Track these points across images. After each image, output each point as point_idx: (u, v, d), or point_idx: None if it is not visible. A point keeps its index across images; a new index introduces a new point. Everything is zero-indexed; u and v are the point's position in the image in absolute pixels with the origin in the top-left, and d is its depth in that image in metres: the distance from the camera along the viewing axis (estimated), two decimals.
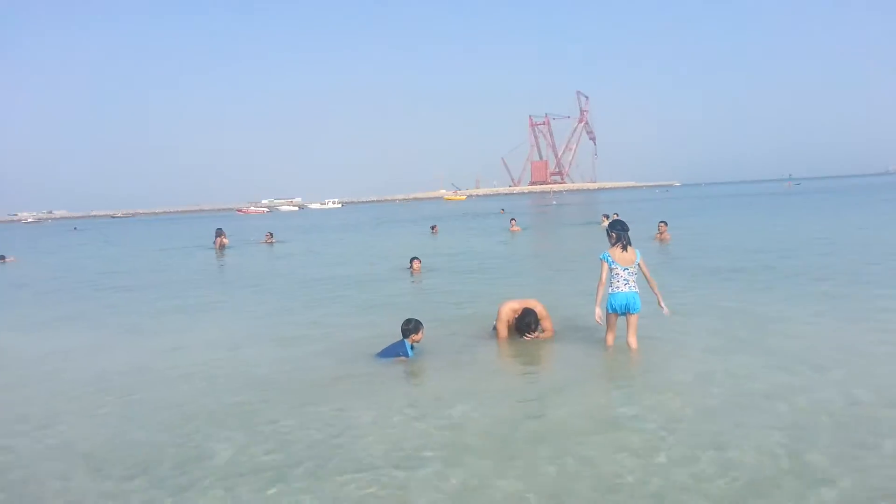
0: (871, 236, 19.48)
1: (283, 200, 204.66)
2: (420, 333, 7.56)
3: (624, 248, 7.25)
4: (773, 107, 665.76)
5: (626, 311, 7.21)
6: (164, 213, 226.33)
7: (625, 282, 7.18)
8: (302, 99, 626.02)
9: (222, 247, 26.90)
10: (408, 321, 7.59)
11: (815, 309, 9.00)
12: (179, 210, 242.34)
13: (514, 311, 8.18)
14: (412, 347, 7.54)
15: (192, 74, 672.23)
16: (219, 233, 27.52)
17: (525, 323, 7.97)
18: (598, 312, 7.26)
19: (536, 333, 8.00)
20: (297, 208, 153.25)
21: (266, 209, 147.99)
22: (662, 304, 7.36)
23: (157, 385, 7.04)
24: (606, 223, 28.60)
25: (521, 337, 8.03)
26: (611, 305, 7.24)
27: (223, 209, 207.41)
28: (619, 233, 7.31)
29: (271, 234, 30.51)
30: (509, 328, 8.24)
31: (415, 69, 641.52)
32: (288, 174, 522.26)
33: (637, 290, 7.24)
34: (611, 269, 7.21)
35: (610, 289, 7.22)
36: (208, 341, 9.12)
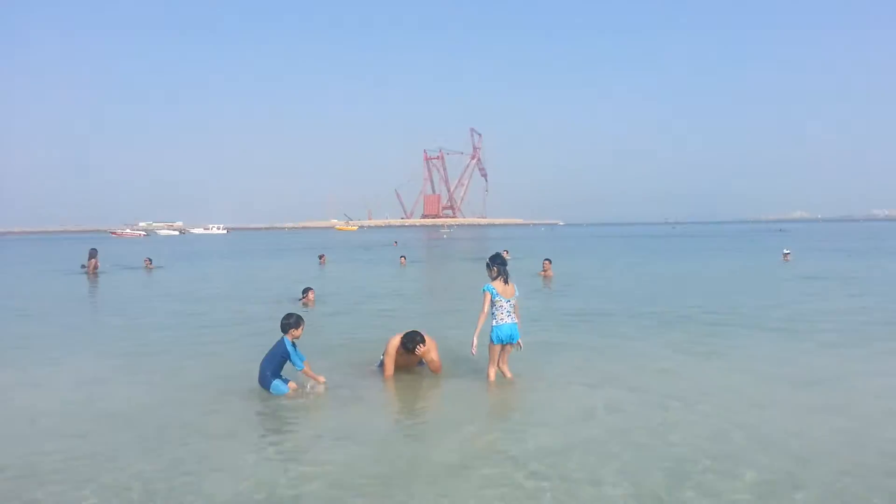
0: (737, 279, 21.08)
1: (162, 224, 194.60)
2: (300, 329, 7.34)
3: (505, 281, 7.41)
4: (652, 154, 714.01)
5: (508, 342, 7.37)
6: (25, 232, 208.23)
7: (507, 313, 7.33)
8: (186, 119, 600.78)
9: (95, 270, 25.05)
10: (288, 315, 7.40)
11: (685, 348, 9.50)
12: (43, 230, 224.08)
13: (401, 349, 8.03)
14: (294, 346, 7.28)
15: (63, 85, 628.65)
16: (93, 254, 25.55)
17: (410, 338, 7.85)
18: (475, 343, 7.32)
19: (424, 349, 7.88)
20: (177, 233, 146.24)
21: (143, 232, 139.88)
22: (520, 342, 7.54)
23: None
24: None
25: (410, 353, 7.90)
26: (497, 337, 7.33)
27: (95, 230, 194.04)
28: (499, 266, 7.46)
29: (150, 260, 29.03)
30: (396, 363, 8.08)
31: (309, 96, 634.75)
32: (168, 196, 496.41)
33: (518, 321, 7.42)
34: (494, 302, 7.32)
35: (494, 321, 7.32)
36: (65, 375, 8.30)
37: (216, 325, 12.23)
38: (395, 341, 8.06)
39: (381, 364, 8.19)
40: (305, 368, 7.33)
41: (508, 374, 7.61)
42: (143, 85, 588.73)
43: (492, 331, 7.35)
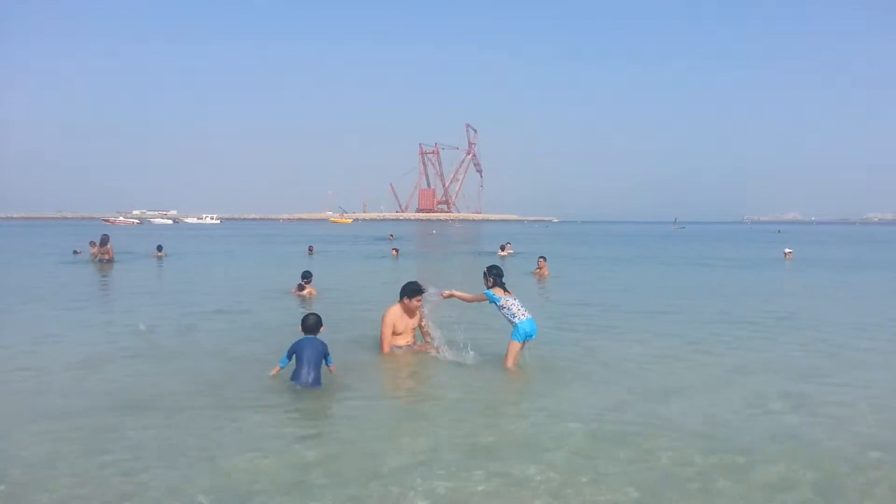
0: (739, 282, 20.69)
1: (156, 213, 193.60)
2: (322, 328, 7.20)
3: (504, 290, 7.59)
4: (646, 153, 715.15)
5: (528, 338, 7.46)
6: (23, 218, 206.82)
7: (522, 308, 7.48)
8: (183, 109, 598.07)
9: (109, 258, 23.78)
10: (316, 317, 7.12)
11: (690, 347, 9.05)
12: (40, 216, 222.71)
13: (398, 312, 8.31)
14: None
15: (60, 73, 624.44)
16: (105, 240, 24.18)
17: (415, 286, 8.19)
18: (447, 293, 7.82)
19: (420, 300, 8.23)
20: (171, 221, 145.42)
21: (137, 220, 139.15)
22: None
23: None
24: (507, 252, 29.67)
25: (412, 302, 8.18)
26: (521, 334, 7.39)
27: (88, 217, 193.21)
28: (495, 278, 7.61)
29: (160, 248, 28.70)
30: (395, 331, 8.28)
31: (305, 88, 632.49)
32: (162, 185, 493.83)
33: (532, 315, 7.59)
34: (502, 305, 7.43)
35: (515, 320, 7.39)
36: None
37: (216, 312, 11.74)
38: (392, 309, 8.28)
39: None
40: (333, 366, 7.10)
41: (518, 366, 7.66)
42: (139, 73, 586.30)
43: (514, 329, 7.39)
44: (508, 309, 7.42)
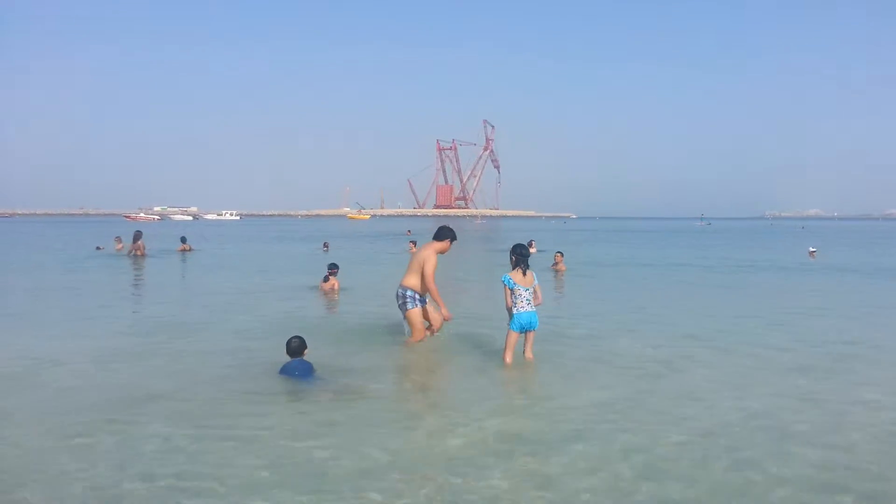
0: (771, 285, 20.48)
1: (176, 209, 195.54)
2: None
3: (524, 272, 7.59)
4: (667, 149, 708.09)
5: (527, 329, 7.56)
6: (46, 214, 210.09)
7: (527, 301, 7.53)
8: (202, 105, 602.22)
9: (142, 252, 24.32)
10: (300, 340, 7.18)
11: (704, 351, 9.00)
12: (62, 212, 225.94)
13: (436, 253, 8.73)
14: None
15: (77, 70, 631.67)
16: (137, 236, 24.75)
17: (451, 229, 8.90)
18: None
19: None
20: (191, 218, 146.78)
21: (158, 217, 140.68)
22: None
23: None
24: (533, 250, 29.77)
25: (451, 245, 8.94)
26: (517, 325, 7.49)
27: (110, 214, 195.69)
28: (517, 256, 7.66)
29: (183, 239, 29.34)
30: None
31: (322, 84, 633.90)
32: (182, 182, 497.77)
33: (535, 309, 7.63)
34: (513, 291, 7.49)
35: (514, 309, 7.50)
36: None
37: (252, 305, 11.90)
38: (434, 247, 8.77)
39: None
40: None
41: (530, 356, 7.73)
42: (157, 70, 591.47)
43: (511, 319, 7.50)
44: (517, 297, 7.49)
